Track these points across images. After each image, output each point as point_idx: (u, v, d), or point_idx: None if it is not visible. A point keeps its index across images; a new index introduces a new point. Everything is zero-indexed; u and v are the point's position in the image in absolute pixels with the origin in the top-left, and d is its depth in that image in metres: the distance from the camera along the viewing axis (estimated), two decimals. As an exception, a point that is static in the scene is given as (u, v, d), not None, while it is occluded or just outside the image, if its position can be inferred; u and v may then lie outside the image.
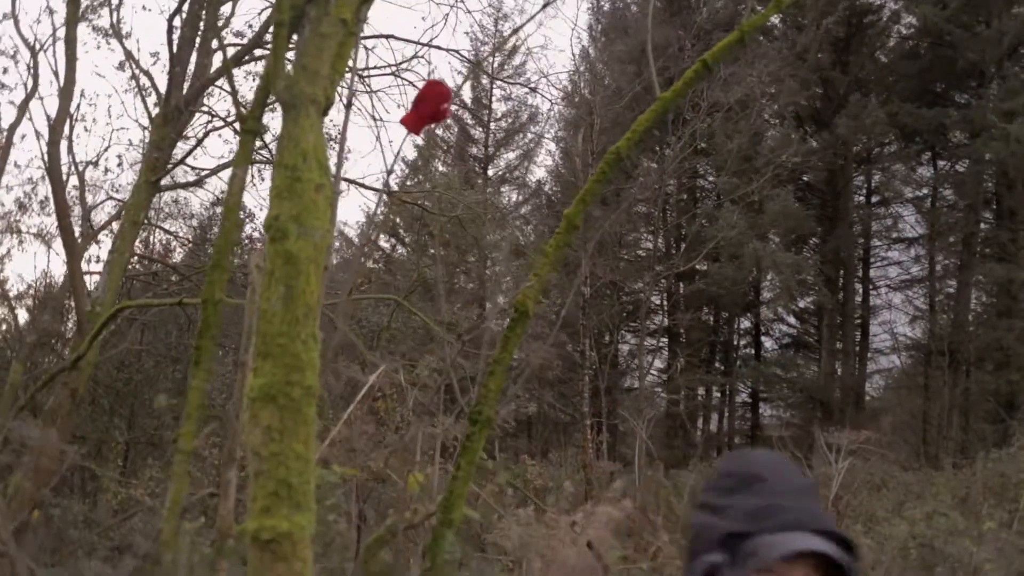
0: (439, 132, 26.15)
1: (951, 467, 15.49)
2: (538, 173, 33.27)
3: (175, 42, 9.13)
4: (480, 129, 28.98)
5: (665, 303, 26.60)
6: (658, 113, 2.99)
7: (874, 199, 26.37)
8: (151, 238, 15.57)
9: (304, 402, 1.78)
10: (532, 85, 24.90)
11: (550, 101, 36.15)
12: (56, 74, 9.43)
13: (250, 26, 10.63)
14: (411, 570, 4.52)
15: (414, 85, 9.94)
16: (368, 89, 9.88)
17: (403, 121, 3.22)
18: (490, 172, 28.76)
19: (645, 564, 5.84)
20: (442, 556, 2.80)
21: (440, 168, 26.21)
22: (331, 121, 10.09)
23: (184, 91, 9.19)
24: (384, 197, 12.69)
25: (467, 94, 27.69)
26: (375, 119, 10.65)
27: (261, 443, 1.73)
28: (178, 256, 15.82)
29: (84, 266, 10.00)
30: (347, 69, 2.19)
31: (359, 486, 5.17)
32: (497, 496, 7.13)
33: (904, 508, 9.02)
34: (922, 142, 23.39)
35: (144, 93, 10.21)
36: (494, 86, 26.55)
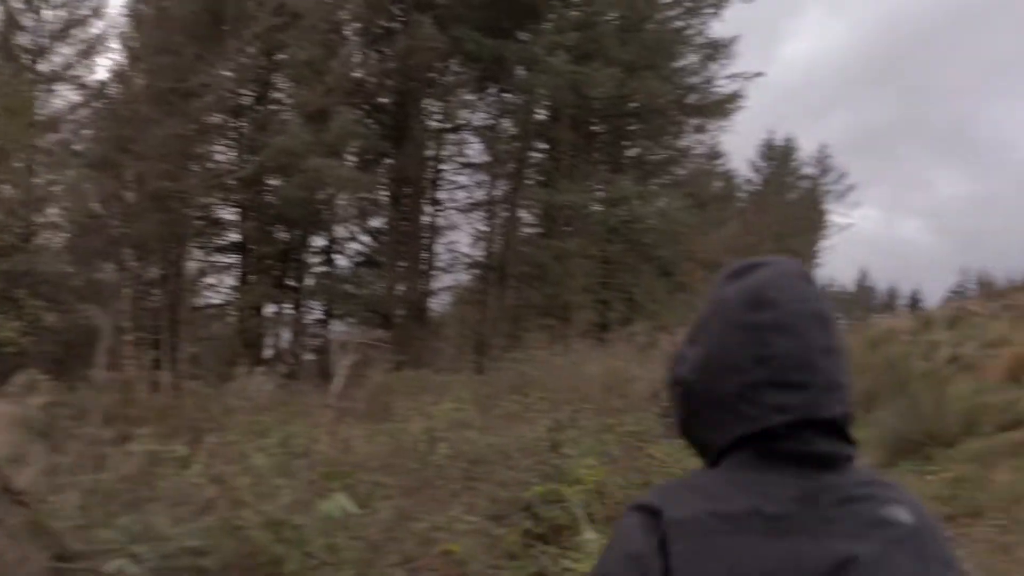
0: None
1: (490, 370, 16.59)
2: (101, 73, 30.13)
3: None
4: (32, 16, 25.47)
5: (236, 218, 25.71)
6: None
7: (446, 125, 27.57)
8: None
9: None
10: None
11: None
12: None
13: None
14: None
15: None
16: None
17: None
18: (43, 68, 25.51)
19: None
20: None
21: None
22: None
23: None
24: None
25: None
26: None
27: None
28: None
29: None
30: None
31: None
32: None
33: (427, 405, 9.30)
34: (484, 71, 24.65)
35: None
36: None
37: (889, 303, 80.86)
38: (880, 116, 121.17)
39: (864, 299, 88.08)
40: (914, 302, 55.28)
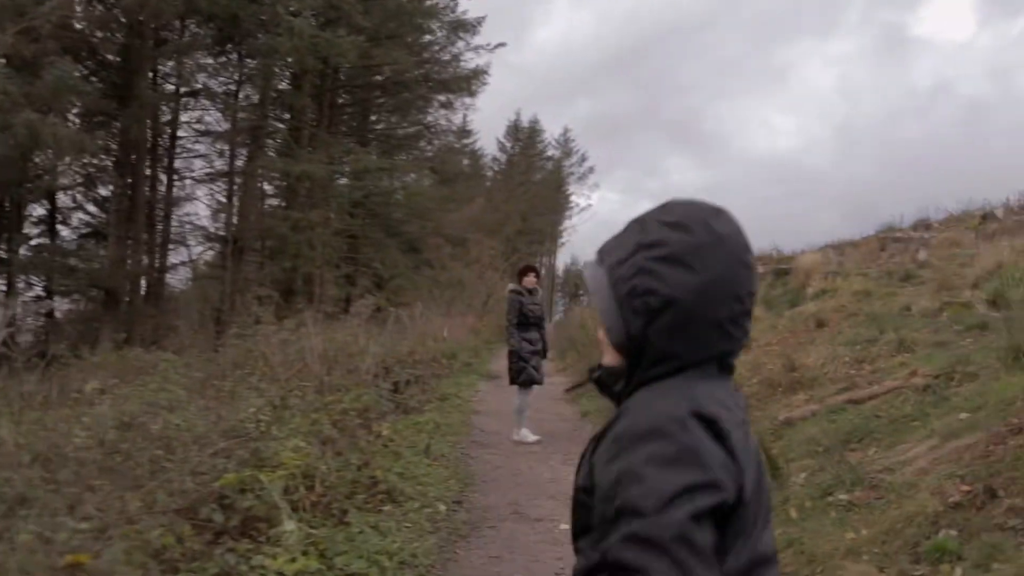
0: None
1: (222, 348, 15.57)
2: None
3: None
4: None
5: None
6: None
7: (182, 88, 25.63)
8: None
9: None
10: None
11: None
12: None
13: None
14: None
15: None
16: None
17: None
18: None
19: None
20: None
21: None
22: None
23: None
24: None
25: None
26: None
27: None
28: None
29: None
30: None
31: None
32: None
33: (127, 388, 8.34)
34: (221, 31, 23.07)
35: None
36: None
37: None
38: (621, 105, 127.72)
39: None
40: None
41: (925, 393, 6.66)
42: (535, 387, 9.69)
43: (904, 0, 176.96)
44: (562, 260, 70.42)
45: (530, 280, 9.72)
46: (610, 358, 1.50)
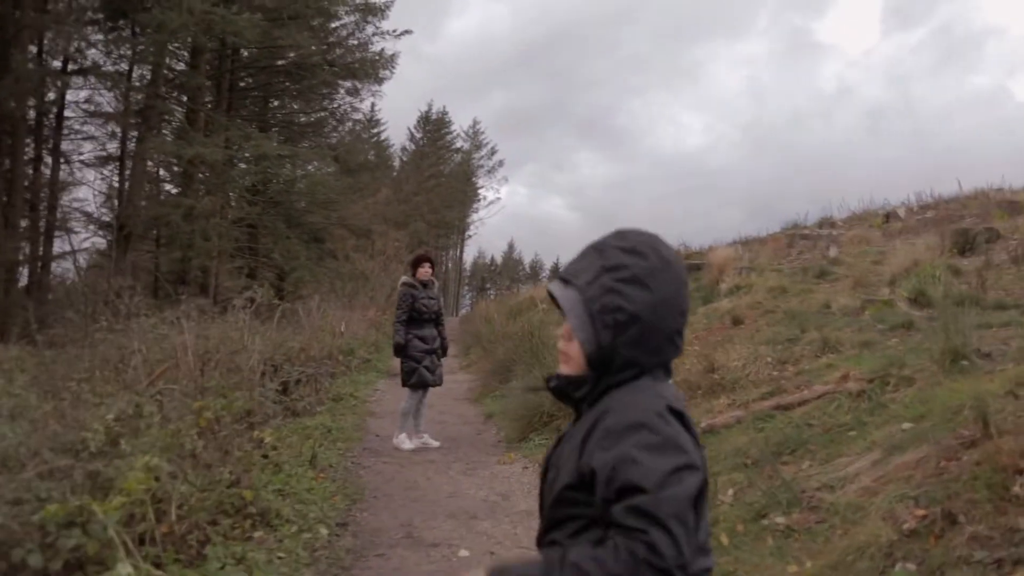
0: None
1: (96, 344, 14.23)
2: None
3: None
4: None
5: None
6: None
7: (71, 67, 23.74)
8: None
9: None
10: None
11: None
12: None
13: None
14: None
15: None
16: None
17: None
18: None
19: None
20: None
21: None
22: None
23: None
24: None
25: None
26: None
27: None
28: None
29: None
30: None
31: None
32: None
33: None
34: (111, 3, 21.40)
35: None
36: None
37: (533, 274, 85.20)
38: (533, 99, 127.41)
39: (511, 270, 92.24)
40: (556, 272, 58.32)
41: (860, 399, 6.03)
42: (430, 388, 8.80)
43: (812, 5, 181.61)
44: (470, 253, 69.61)
45: (425, 271, 8.80)
46: (571, 367, 1.69)
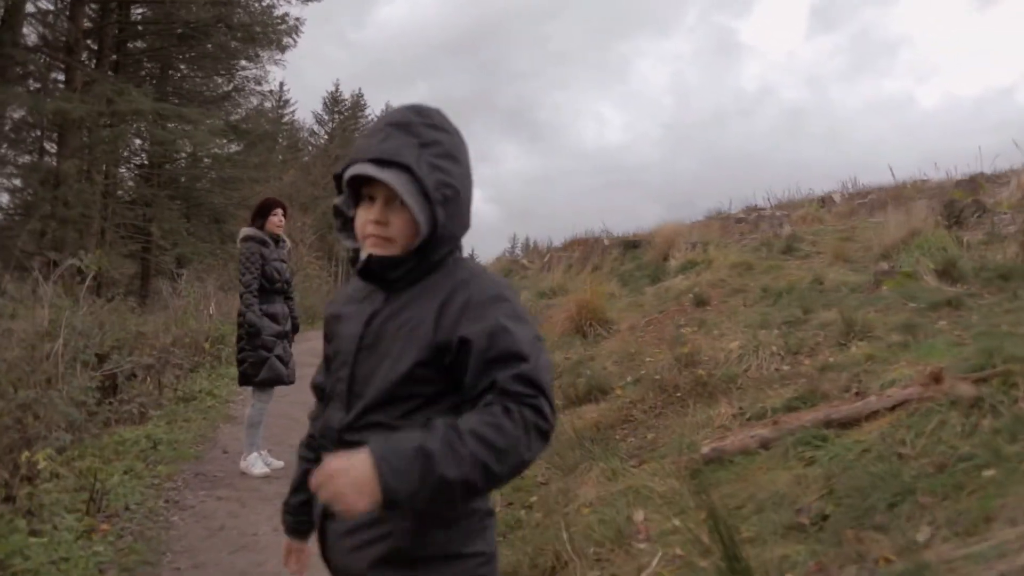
0: None
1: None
2: None
3: None
4: None
5: None
6: None
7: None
8: None
9: None
10: None
11: None
12: None
13: None
14: None
15: None
16: None
17: None
18: None
19: None
20: None
21: None
22: None
23: None
24: None
25: None
26: None
27: None
28: None
29: None
30: None
31: None
32: None
33: None
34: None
35: None
36: None
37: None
38: (459, 90, 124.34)
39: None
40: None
41: (977, 412, 3.54)
42: (278, 388, 6.00)
43: (738, 7, 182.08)
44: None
45: (276, 222, 5.99)
46: (392, 249, 1.53)
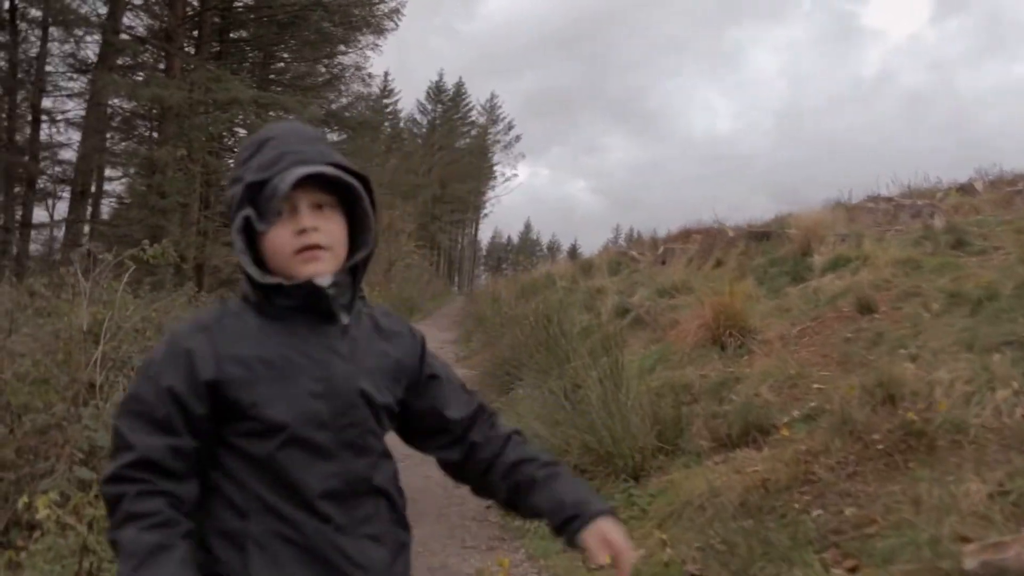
0: None
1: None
2: None
3: None
4: None
5: None
6: None
7: (48, 17, 19.81)
8: None
9: None
10: None
11: None
12: None
13: None
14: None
15: None
16: None
17: None
18: None
19: None
20: None
21: None
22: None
23: None
24: None
25: None
26: None
27: None
28: None
29: None
30: None
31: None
32: None
33: None
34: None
35: None
36: None
37: (550, 254, 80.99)
38: (565, 81, 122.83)
39: (528, 250, 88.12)
40: (573, 251, 53.97)
41: None
42: None
43: None
44: (485, 232, 65.46)
45: None
46: (331, 267, 1.35)
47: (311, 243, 1.30)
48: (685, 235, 15.78)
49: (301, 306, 1.32)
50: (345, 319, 1.35)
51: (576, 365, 6.00)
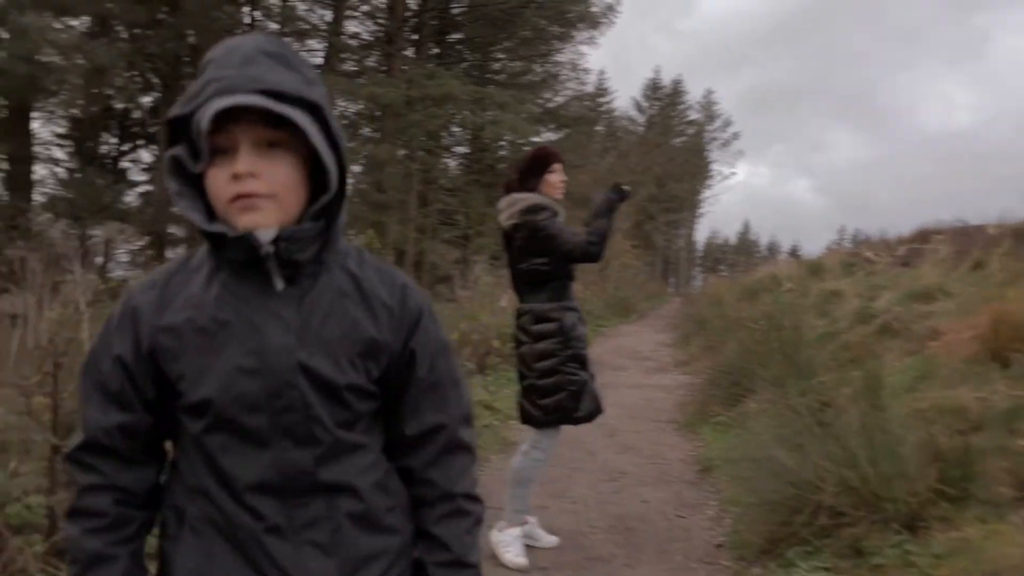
0: None
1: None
2: None
3: None
4: None
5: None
6: None
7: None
8: None
9: None
10: None
11: None
12: None
13: None
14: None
15: None
16: None
17: None
18: None
19: None
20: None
21: None
22: None
23: None
24: None
25: None
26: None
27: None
28: None
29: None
30: None
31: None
32: None
33: None
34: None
35: None
36: None
37: (770, 255, 77.35)
38: (786, 76, 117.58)
39: (746, 250, 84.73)
40: (794, 252, 50.99)
41: None
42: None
43: None
44: (701, 233, 63.33)
45: (556, 182, 3.85)
46: (279, 216, 1.10)
47: (244, 191, 1.07)
48: (923, 236, 13.97)
49: (245, 261, 1.10)
50: (280, 284, 1.12)
51: (823, 379, 4.99)
